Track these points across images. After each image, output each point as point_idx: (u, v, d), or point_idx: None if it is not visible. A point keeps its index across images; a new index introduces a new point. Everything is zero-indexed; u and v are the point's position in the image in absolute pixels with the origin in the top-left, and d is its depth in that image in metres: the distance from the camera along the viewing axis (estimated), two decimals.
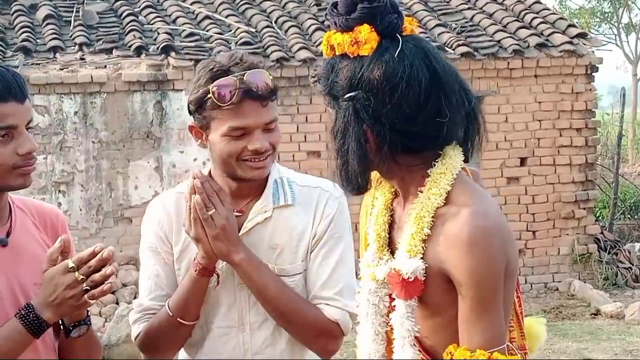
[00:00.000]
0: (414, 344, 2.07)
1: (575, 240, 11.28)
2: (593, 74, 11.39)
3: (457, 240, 1.97)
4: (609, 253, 11.47)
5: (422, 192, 2.06)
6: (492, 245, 1.97)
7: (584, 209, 11.36)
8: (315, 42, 10.90)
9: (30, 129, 2.37)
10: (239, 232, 2.52)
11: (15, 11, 11.47)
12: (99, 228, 10.20)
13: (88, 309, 2.40)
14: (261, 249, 2.54)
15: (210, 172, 2.59)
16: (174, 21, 11.55)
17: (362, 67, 2.03)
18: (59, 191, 10.27)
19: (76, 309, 2.29)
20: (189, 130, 2.61)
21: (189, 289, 2.51)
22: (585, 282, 10.95)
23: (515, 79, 11.16)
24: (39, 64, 10.45)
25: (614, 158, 14.73)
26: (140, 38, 10.91)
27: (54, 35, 10.89)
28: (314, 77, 2.16)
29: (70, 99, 10.29)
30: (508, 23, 11.67)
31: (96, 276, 2.24)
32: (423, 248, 2.03)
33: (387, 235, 2.17)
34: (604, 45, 13.20)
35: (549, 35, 11.38)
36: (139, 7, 11.88)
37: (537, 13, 11.91)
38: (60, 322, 2.39)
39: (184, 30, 11.21)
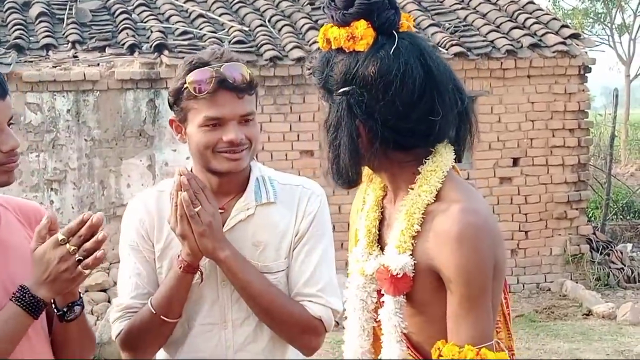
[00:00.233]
0: (401, 340, 2.08)
1: (567, 241, 11.30)
2: (586, 74, 11.41)
3: (447, 237, 1.98)
4: (601, 253, 11.49)
5: (412, 189, 2.07)
6: (482, 242, 1.98)
7: (577, 209, 11.38)
8: (308, 41, 10.90)
9: (12, 124, 2.35)
10: None
11: (8, 8, 11.45)
12: None
13: (80, 291, 2.39)
14: (244, 246, 2.55)
15: (191, 169, 2.60)
16: (167, 19, 11.54)
17: (357, 63, 2.04)
18: (52, 189, 10.26)
19: (71, 282, 2.26)
20: (170, 124, 2.64)
21: (173, 286, 2.51)
22: (577, 283, 10.97)
23: (509, 79, 11.18)
24: (31, 61, 10.44)
25: (606, 159, 14.77)
26: (133, 36, 10.91)
27: (47, 33, 10.87)
28: (309, 69, 2.17)
29: (63, 96, 10.28)
30: (501, 23, 11.69)
31: (88, 244, 2.21)
32: (412, 244, 2.04)
33: (377, 232, 2.18)
34: (597, 46, 13.23)
35: (542, 35, 11.40)
36: (132, 5, 11.87)
37: (530, 13, 11.93)
38: (53, 307, 2.38)
39: (177, 28, 11.20)
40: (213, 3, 11.98)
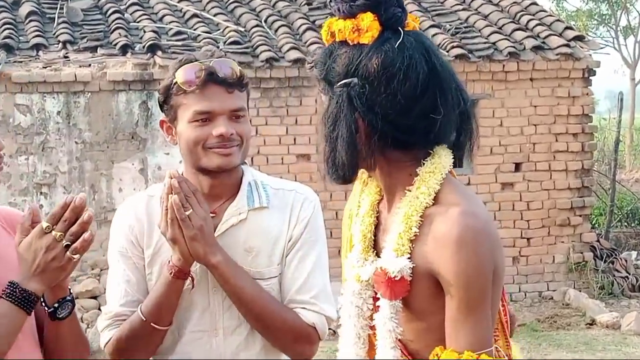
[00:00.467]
0: (396, 347, 2.08)
1: (570, 248, 11.30)
2: (590, 77, 11.42)
3: (446, 240, 1.97)
4: (605, 261, 11.49)
5: (410, 191, 2.07)
6: (482, 246, 1.98)
7: (580, 216, 11.38)
8: (306, 42, 10.90)
9: None
10: None
11: None
12: None
13: (70, 287, 2.37)
14: (236, 252, 2.54)
15: (182, 173, 2.60)
16: (160, 19, 11.54)
17: (360, 55, 2.05)
18: (41, 193, 10.25)
19: (62, 271, 2.24)
20: (160, 126, 2.66)
21: (164, 293, 2.50)
22: (580, 291, 10.96)
23: (511, 82, 11.18)
24: (21, 61, 10.43)
25: (610, 164, 14.77)
26: (125, 36, 10.90)
27: (37, 33, 10.87)
28: (311, 62, 2.18)
29: (53, 98, 10.27)
30: (504, 25, 11.69)
31: (74, 227, 2.19)
32: (410, 248, 2.04)
33: (373, 237, 2.17)
34: (601, 48, 13.23)
35: (545, 37, 11.41)
36: (125, 4, 11.87)
37: (533, 15, 11.94)
38: (44, 304, 2.36)
39: (171, 28, 11.20)
40: (208, 3, 11.98)
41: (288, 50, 10.70)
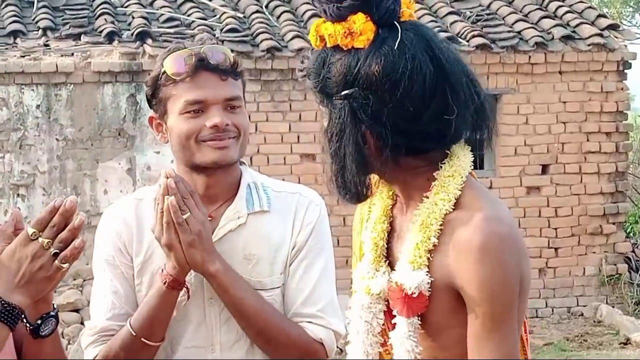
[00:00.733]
0: None
1: (602, 259, 11.30)
2: (625, 70, 11.43)
3: (468, 248, 1.97)
4: None
5: (428, 197, 2.07)
6: (508, 254, 1.98)
7: (613, 223, 11.38)
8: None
9: None
10: None
11: None
12: None
13: (53, 302, 2.37)
14: (234, 259, 2.54)
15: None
16: (150, 4, 11.56)
17: (357, 62, 2.03)
18: (18, 195, 10.27)
19: (49, 282, 2.21)
20: (149, 122, 2.65)
21: (156, 305, 2.50)
22: (613, 307, 10.96)
23: (537, 75, 11.19)
24: None
25: None
26: (112, 22, 10.92)
27: (15, 18, 10.90)
28: (301, 70, 2.16)
29: (32, 90, 10.29)
30: (530, 12, 11.70)
31: (63, 233, 2.15)
32: (429, 259, 2.03)
33: (386, 245, 2.17)
34: (637, 38, 13.22)
35: (575, 26, 11.41)
36: None
37: (562, 1, 11.95)
38: (25, 321, 2.36)
39: (162, 14, 11.22)
40: None
41: (291, 39, 10.71)
